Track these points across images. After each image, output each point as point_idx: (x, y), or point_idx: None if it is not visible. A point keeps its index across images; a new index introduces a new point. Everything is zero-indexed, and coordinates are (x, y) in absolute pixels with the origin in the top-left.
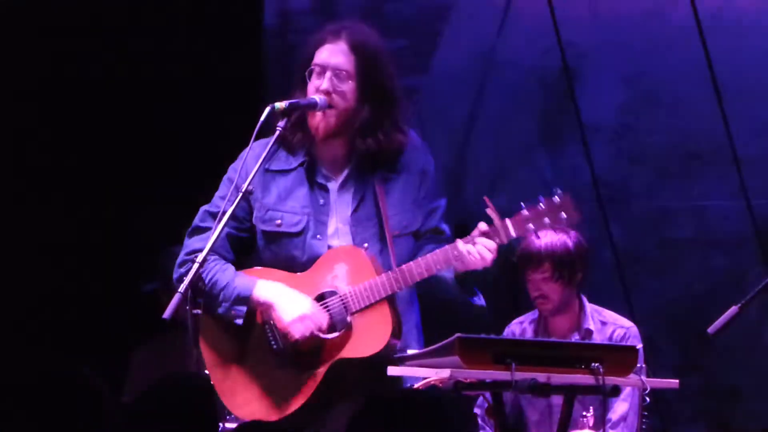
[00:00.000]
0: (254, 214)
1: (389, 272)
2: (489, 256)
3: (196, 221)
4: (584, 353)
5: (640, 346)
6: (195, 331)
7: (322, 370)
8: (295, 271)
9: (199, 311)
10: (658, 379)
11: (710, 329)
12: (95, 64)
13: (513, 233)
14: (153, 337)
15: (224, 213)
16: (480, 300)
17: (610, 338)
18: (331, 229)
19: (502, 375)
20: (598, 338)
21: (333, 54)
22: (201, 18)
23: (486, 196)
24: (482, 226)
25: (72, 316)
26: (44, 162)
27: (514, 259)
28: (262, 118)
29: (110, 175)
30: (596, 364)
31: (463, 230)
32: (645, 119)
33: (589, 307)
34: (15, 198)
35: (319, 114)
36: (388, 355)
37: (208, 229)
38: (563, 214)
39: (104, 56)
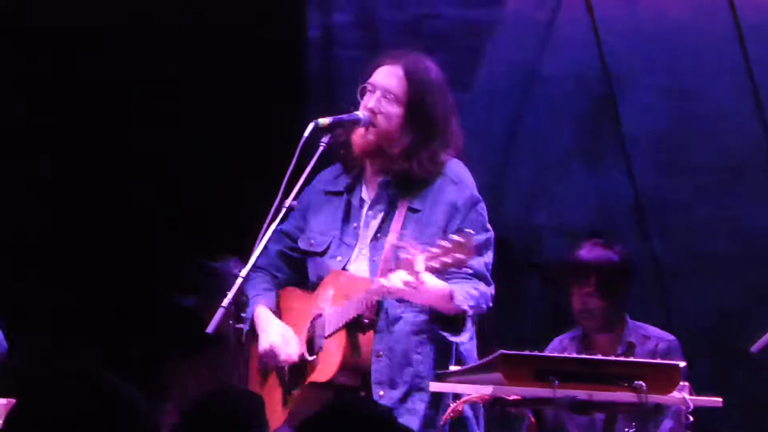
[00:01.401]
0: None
1: (352, 300)
2: (404, 288)
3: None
4: (627, 370)
5: (684, 364)
6: (238, 346)
7: (297, 392)
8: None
9: (243, 326)
10: (702, 397)
11: (754, 348)
12: (133, 72)
13: (421, 268)
14: (194, 351)
15: (267, 229)
16: (456, 338)
17: (654, 351)
18: (355, 253)
19: (544, 392)
20: (640, 352)
21: (386, 76)
22: (243, 31)
23: (405, 230)
24: (402, 255)
25: (111, 330)
26: (83, 170)
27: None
28: (306, 134)
29: (152, 187)
30: (639, 382)
31: (502, 248)
32: (686, 133)
33: (631, 323)
34: (53, 207)
35: (360, 130)
36: (350, 386)
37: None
38: (458, 255)
39: (143, 68)
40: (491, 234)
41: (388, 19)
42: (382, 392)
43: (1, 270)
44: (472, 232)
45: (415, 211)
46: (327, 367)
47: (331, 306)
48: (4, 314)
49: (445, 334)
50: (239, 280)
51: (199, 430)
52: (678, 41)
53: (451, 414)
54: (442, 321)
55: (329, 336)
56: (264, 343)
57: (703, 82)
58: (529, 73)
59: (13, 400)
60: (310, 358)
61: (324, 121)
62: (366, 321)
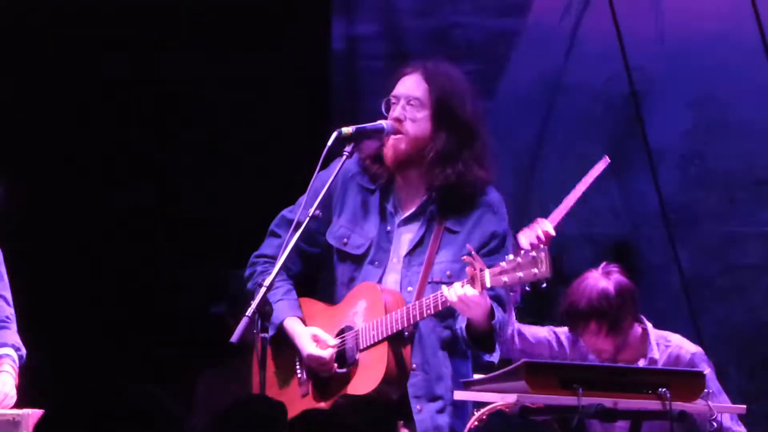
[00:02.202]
0: (329, 228)
1: (394, 313)
2: (467, 302)
3: (272, 225)
4: (651, 378)
5: (708, 370)
6: (263, 354)
7: (327, 404)
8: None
9: (267, 335)
10: (726, 405)
11: None
12: (157, 82)
13: (488, 284)
14: (220, 360)
15: (298, 225)
16: (492, 357)
17: (676, 361)
18: (389, 262)
19: (568, 400)
20: (661, 364)
21: (407, 84)
22: (269, 42)
23: (469, 245)
24: (468, 271)
25: (138, 339)
26: (118, 183)
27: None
28: (329, 142)
29: (178, 196)
30: (663, 389)
31: None
32: (713, 144)
33: (654, 334)
34: (84, 221)
35: (391, 141)
36: (389, 399)
37: (278, 236)
38: (534, 270)
39: (169, 80)
40: None
41: (412, 30)
42: (419, 406)
43: (27, 276)
44: (545, 247)
45: (452, 232)
46: (367, 380)
47: (364, 319)
48: (32, 322)
49: (481, 352)
50: (263, 290)
51: None
52: (704, 51)
53: (476, 422)
54: (478, 337)
55: (365, 349)
56: (305, 355)
57: (730, 92)
58: (553, 82)
59: (40, 411)
60: (341, 371)
61: (347, 130)
62: (406, 334)
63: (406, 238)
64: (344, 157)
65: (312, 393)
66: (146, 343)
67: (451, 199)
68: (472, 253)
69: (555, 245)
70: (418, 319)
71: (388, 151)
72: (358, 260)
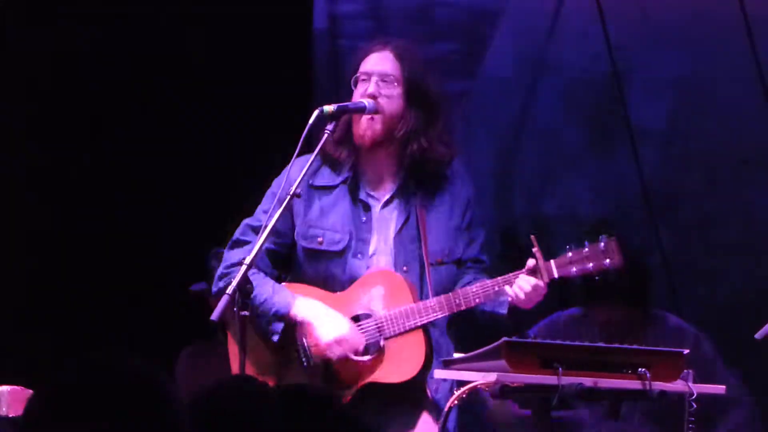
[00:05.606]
0: (296, 230)
1: (427, 300)
2: (531, 295)
3: (237, 234)
4: (631, 358)
5: (687, 352)
6: (243, 333)
7: (350, 392)
8: (335, 290)
9: (247, 313)
10: (705, 385)
11: (757, 335)
12: (145, 66)
13: (555, 274)
14: (199, 339)
15: (266, 227)
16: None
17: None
18: (371, 248)
19: (548, 379)
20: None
21: (379, 61)
22: (250, 21)
23: (533, 235)
24: (529, 263)
25: (118, 316)
26: (101, 160)
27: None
28: (311, 121)
29: (160, 176)
30: (643, 369)
31: (510, 238)
32: (694, 124)
33: (665, 318)
34: (67, 197)
35: (364, 121)
36: (416, 385)
37: (247, 242)
38: (607, 261)
39: (153, 57)
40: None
41: (394, 8)
42: (456, 354)
43: (12, 256)
44: (613, 237)
45: (434, 207)
46: (403, 368)
47: (384, 306)
48: (16, 298)
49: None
50: (243, 267)
51: (205, 421)
52: (687, 31)
53: (456, 401)
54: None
55: (393, 336)
56: (331, 334)
57: (712, 73)
58: (535, 62)
59: (30, 390)
60: (364, 359)
61: (329, 108)
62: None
63: (389, 219)
64: (326, 135)
65: (324, 381)
66: (125, 320)
67: (422, 176)
68: (534, 242)
69: (535, 224)
70: (462, 308)
71: (365, 133)
72: (337, 255)
